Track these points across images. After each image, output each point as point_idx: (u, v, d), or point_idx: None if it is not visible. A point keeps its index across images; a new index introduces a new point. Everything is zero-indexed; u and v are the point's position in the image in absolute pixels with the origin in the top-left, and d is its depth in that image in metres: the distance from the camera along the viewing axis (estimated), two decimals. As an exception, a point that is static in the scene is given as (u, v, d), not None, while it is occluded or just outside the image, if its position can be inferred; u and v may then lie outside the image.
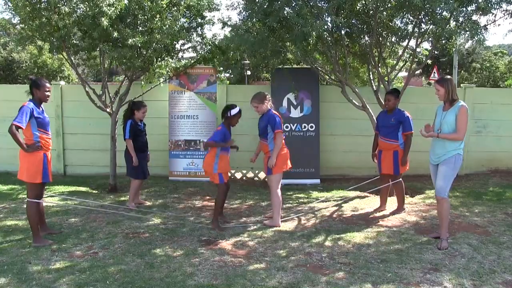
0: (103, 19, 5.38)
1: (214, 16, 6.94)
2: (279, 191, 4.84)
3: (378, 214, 5.38)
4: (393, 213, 5.39)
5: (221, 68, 7.68)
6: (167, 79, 7.63)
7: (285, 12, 5.54)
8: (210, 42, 6.91)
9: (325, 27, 5.49)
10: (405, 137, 5.25)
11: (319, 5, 5.76)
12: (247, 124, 7.83)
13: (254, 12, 5.81)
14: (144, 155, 5.73)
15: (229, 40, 6.31)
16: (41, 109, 4.23)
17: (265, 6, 5.69)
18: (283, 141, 4.81)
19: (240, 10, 6.21)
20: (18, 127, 3.99)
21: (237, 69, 22.05)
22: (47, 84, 4.26)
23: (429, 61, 6.65)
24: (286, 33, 5.94)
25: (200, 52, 6.96)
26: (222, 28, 7.00)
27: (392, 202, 5.63)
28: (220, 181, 4.78)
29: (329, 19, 5.72)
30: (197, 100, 7.54)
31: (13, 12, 5.97)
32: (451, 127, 4.12)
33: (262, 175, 7.73)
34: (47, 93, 4.25)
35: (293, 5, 5.53)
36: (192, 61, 7.31)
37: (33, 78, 4.30)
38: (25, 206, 5.68)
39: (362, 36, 6.38)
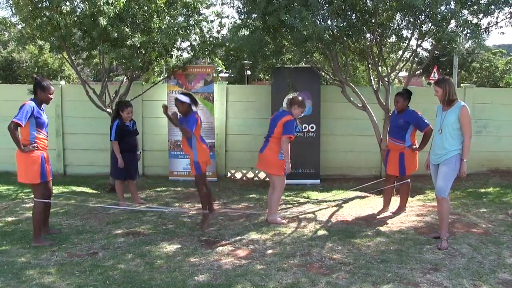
0: (101, 18, 5.37)
1: (211, 13, 6.95)
2: None
3: (380, 215, 5.37)
4: (394, 213, 5.38)
5: (220, 68, 7.64)
6: (165, 78, 7.61)
7: (283, 14, 5.51)
8: (207, 35, 6.88)
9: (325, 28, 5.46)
10: (424, 135, 5.09)
11: (319, 7, 5.68)
12: (247, 123, 7.85)
13: (253, 11, 5.78)
14: (132, 155, 5.60)
15: (230, 39, 6.29)
16: (41, 109, 4.21)
17: (264, 6, 5.66)
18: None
19: (240, 9, 6.19)
20: (17, 125, 3.98)
21: (236, 68, 22.05)
22: (52, 87, 4.25)
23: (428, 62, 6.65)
24: (286, 34, 5.91)
25: (198, 50, 6.92)
26: (219, 20, 6.95)
27: (393, 202, 5.62)
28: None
29: (329, 22, 5.69)
30: (195, 100, 7.50)
31: (14, 11, 5.97)
32: (452, 127, 4.12)
33: (262, 175, 7.72)
34: (50, 96, 4.23)
35: (294, 5, 5.50)
36: (191, 57, 7.25)
37: (38, 78, 4.24)
38: (24, 205, 5.73)
39: (362, 36, 6.38)
